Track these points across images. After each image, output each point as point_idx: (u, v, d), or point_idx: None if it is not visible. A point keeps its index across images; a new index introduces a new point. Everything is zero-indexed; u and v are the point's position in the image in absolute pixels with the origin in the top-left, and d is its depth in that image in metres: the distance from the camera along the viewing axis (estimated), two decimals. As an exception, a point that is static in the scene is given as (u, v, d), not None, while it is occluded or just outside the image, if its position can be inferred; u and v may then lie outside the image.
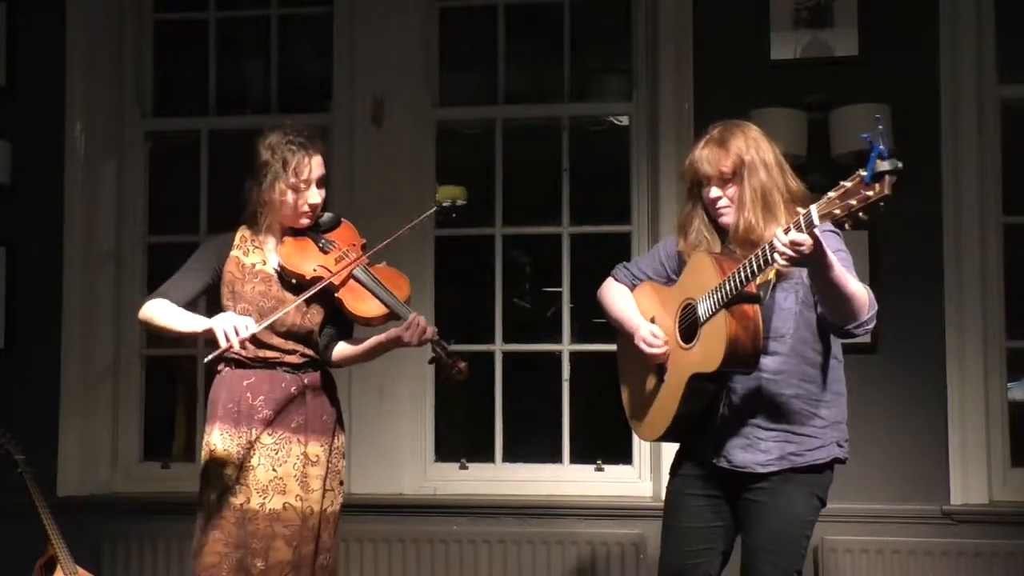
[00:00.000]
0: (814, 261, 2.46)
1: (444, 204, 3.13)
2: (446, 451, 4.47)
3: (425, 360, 2.95)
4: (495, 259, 4.47)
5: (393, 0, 4.43)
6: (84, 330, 4.49)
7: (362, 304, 2.92)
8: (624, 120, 4.50)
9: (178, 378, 5.04)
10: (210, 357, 2.82)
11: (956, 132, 4.05)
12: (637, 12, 4.40)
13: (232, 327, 2.75)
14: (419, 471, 4.36)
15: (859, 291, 2.59)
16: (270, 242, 3.01)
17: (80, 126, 4.51)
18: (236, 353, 2.86)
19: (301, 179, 2.91)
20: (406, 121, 4.41)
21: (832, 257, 2.51)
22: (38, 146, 4.50)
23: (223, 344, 2.75)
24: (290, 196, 2.92)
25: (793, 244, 2.41)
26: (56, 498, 4.19)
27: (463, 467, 4.41)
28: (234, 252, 3.00)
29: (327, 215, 3.07)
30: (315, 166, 2.94)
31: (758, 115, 3.71)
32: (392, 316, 2.92)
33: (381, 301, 2.92)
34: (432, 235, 4.45)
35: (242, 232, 3.03)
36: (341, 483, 3.04)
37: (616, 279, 3.07)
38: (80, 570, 3.73)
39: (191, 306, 2.98)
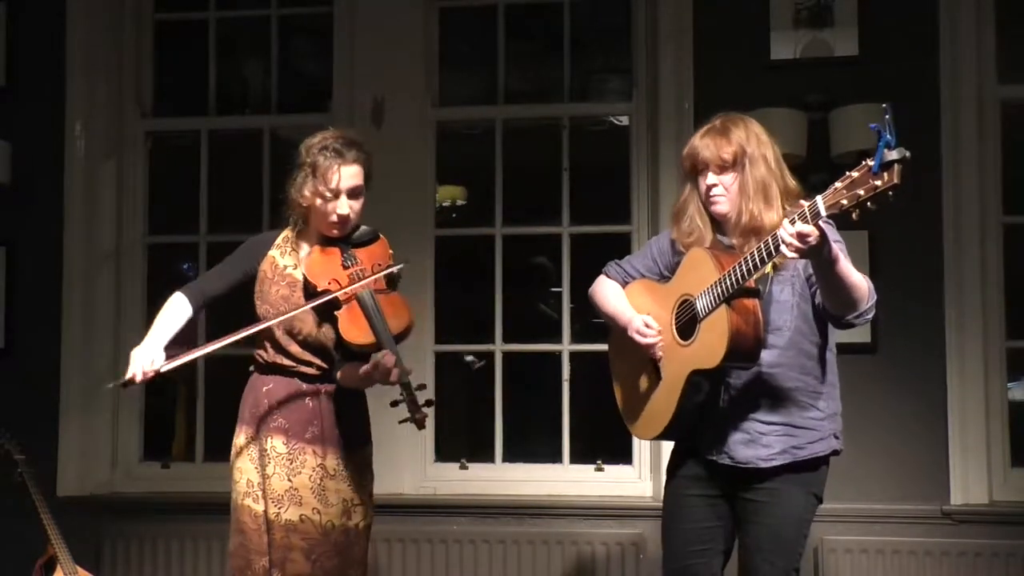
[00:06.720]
0: (819, 253, 2.45)
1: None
2: (446, 451, 4.46)
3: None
4: (495, 259, 4.46)
5: (393, 0, 4.43)
6: (84, 330, 4.49)
7: (352, 328, 2.77)
8: (624, 120, 4.50)
9: (178, 378, 5.04)
10: (110, 385, 3.00)
11: (956, 132, 4.05)
12: (637, 12, 4.40)
13: (139, 365, 2.76)
14: (419, 471, 4.36)
15: (859, 281, 2.59)
16: (306, 246, 2.94)
17: (80, 126, 4.51)
18: (259, 355, 2.93)
19: (329, 187, 2.79)
20: (406, 121, 4.41)
21: (836, 248, 2.50)
22: (38, 146, 4.50)
23: (127, 375, 2.78)
24: (319, 202, 2.83)
25: (800, 235, 2.38)
26: (56, 498, 4.19)
27: (463, 467, 4.41)
28: (272, 251, 2.94)
29: (365, 228, 2.95)
30: (345, 176, 2.80)
31: (758, 115, 3.66)
32: (379, 347, 2.75)
33: (372, 329, 2.75)
34: (432, 235, 4.45)
35: (286, 232, 2.97)
36: (371, 496, 2.96)
37: (608, 276, 3.06)
38: (80, 570, 3.73)
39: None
